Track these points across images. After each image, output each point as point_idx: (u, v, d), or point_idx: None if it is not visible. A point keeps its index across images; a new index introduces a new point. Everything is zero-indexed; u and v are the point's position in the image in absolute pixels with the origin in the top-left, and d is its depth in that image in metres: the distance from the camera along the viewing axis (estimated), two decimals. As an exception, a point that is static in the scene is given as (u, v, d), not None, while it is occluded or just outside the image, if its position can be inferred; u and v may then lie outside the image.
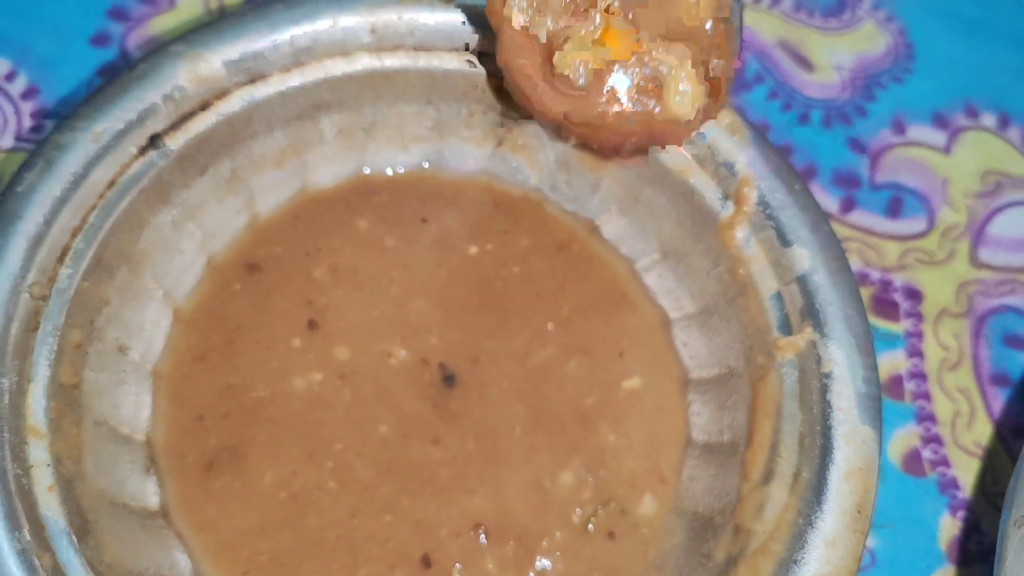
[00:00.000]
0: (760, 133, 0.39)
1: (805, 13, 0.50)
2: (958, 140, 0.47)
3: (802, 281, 0.36)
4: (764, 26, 0.49)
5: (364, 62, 0.40)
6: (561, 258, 0.41)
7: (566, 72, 0.36)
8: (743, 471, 0.35)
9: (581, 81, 0.36)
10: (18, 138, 0.45)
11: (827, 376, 0.35)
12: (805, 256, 0.37)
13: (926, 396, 0.42)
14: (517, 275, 0.41)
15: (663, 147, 0.38)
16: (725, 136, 0.38)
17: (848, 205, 0.45)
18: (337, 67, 0.40)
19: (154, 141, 0.38)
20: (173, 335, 0.39)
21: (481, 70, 0.40)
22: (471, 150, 0.42)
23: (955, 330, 0.43)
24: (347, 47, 0.40)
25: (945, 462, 0.41)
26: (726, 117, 0.38)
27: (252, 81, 0.39)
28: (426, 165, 0.43)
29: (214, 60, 0.38)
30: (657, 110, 0.36)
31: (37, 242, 0.35)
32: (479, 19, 0.40)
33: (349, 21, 0.39)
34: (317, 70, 0.40)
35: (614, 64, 0.36)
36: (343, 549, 0.36)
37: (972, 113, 0.48)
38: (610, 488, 0.37)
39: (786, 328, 0.36)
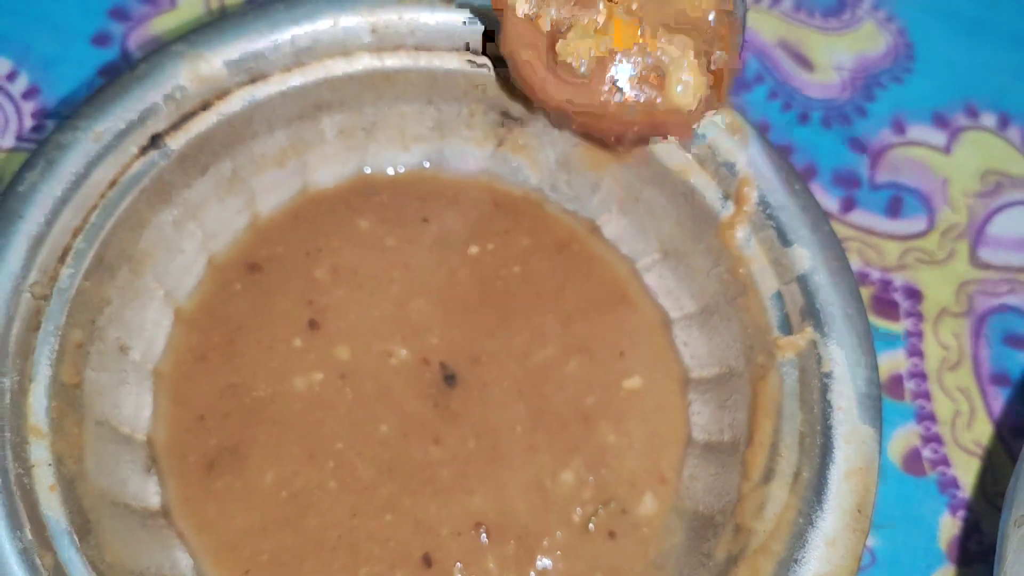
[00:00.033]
0: (760, 133, 0.39)
1: (805, 13, 0.50)
2: (958, 140, 0.47)
3: (802, 281, 0.36)
4: (764, 26, 0.49)
5: (365, 62, 0.40)
6: (561, 258, 0.41)
7: (569, 60, 0.36)
8: (743, 470, 0.35)
9: (583, 69, 0.36)
10: (19, 138, 0.45)
11: (827, 375, 0.35)
12: (805, 256, 0.37)
13: (926, 396, 0.42)
14: (517, 275, 0.41)
15: (665, 137, 0.38)
16: (725, 136, 0.38)
17: (848, 205, 0.45)
18: (338, 67, 0.40)
19: (155, 141, 0.38)
20: (174, 335, 0.39)
21: (482, 70, 0.40)
22: (472, 150, 0.42)
23: (955, 330, 0.43)
24: (348, 47, 0.40)
25: (945, 462, 0.41)
26: (726, 116, 0.38)
27: (253, 81, 0.39)
28: (427, 165, 0.43)
29: (215, 60, 0.38)
30: (659, 100, 0.36)
31: (38, 242, 0.35)
32: (481, 16, 0.40)
33: (350, 21, 0.39)
34: (318, 70, 0.40)
35: (616, 53, 0.36)
36: (344, 549, 0.36)
37: (972, 113, 0.48)
38: (610, 487, 0.37)
39: (786, 328, 0.36)
